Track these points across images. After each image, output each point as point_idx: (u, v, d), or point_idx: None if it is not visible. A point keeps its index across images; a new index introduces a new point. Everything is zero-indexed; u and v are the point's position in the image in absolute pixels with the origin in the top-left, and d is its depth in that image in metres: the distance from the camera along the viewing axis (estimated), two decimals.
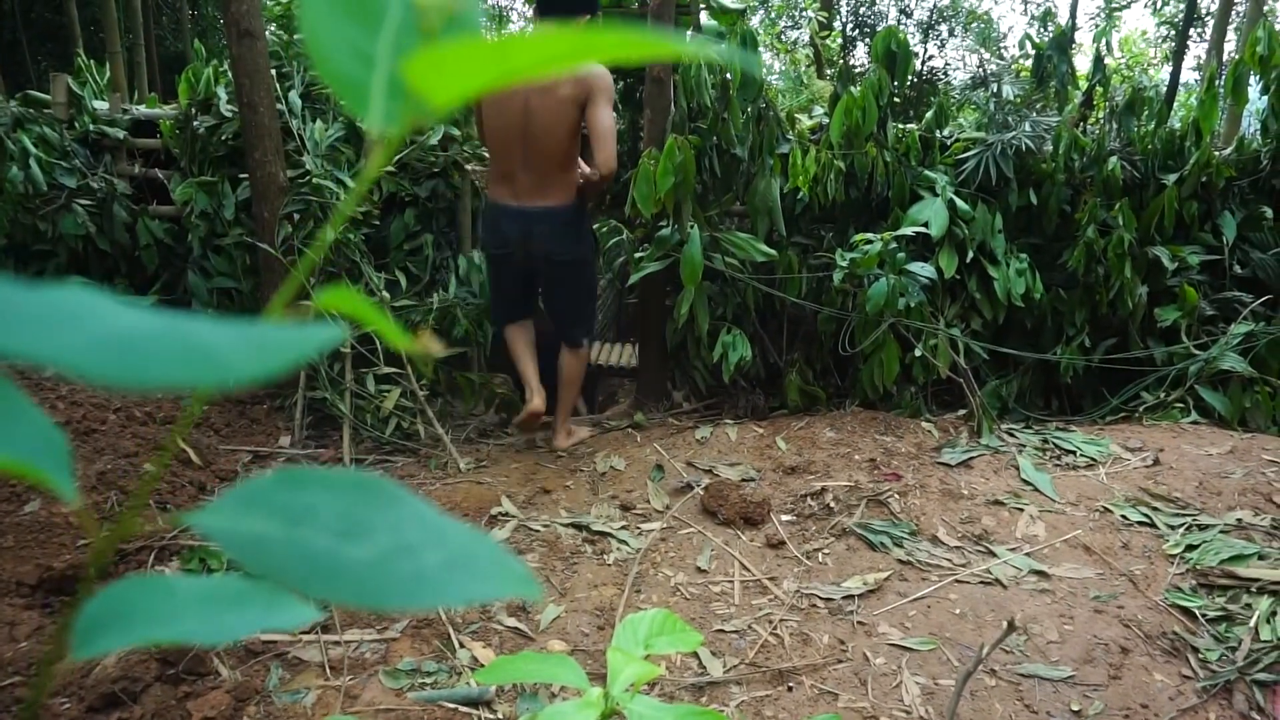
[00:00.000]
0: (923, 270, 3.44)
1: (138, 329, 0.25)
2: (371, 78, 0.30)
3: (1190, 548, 2.49)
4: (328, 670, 2.01)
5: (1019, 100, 4.21)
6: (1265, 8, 8.09)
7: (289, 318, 0.29)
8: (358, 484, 0.30)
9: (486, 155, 3.37)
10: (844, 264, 3.43)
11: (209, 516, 0.28)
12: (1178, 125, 4.07)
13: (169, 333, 0.25)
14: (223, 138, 3.88)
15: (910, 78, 4.01)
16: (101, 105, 4.17)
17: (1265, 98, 3.95)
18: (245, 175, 3.72)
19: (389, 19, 0.31)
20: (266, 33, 3.61)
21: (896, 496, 2.83)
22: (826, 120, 3.96)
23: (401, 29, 0.31)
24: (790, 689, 2.01)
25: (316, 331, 0.26)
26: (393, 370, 3.59)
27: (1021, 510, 2.74)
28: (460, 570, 0.27)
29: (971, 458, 3.10)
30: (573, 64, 0.28)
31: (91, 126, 4.05)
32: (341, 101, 0.32)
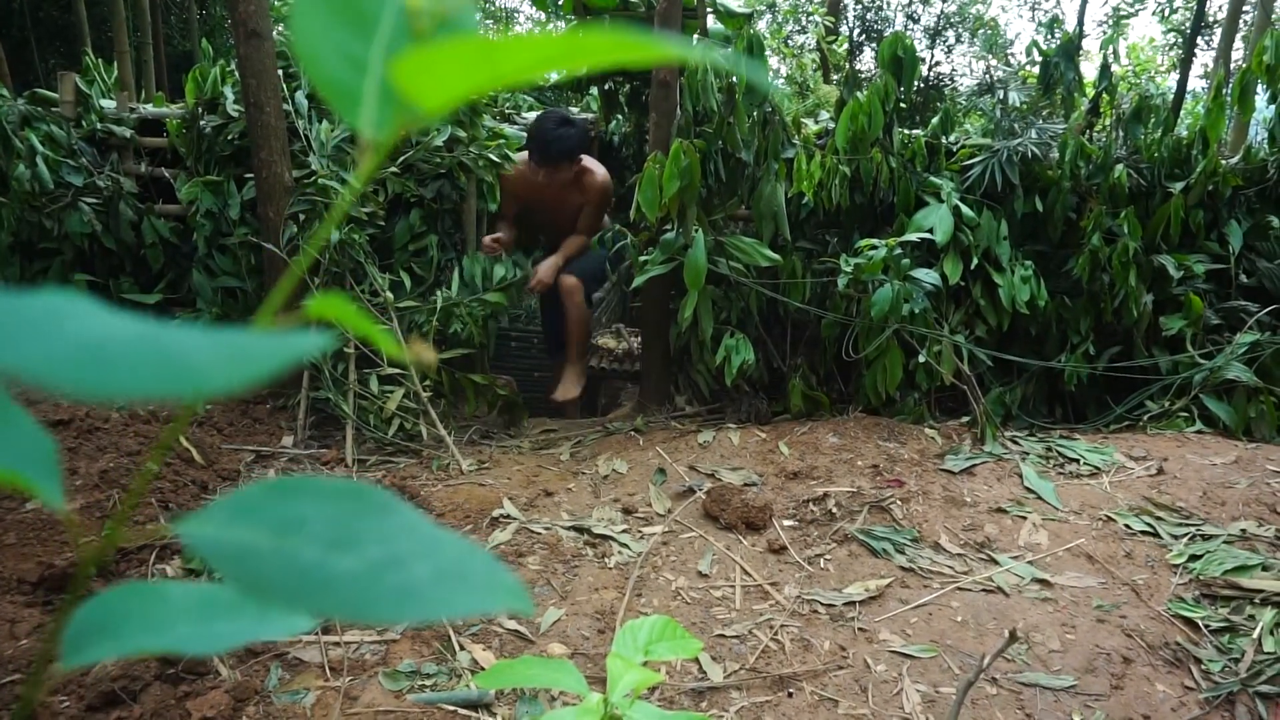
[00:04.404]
0: (927, 276, 3.43)
1: (110, 337, 0.24)
2: (363, 83, 0.30)
3: (1194, 558, 2.48)
4: (327, 671, 2.01)
5: (1025, 107, 4.20)
6: (1273, 16, 8.08)
7: (277, 324, 0.29)
8: (349, 493, 0.29)
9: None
10: (848, 269, 3.42)
11: (196, 526, 0.28)
12: (1184, 133, 4.06)
13: (143, 341, 0.24)
14: (229, 137, 3.88)
15: (916, 83, 4.01)
16: (109, 104, 4.18)
17: (1272, 106, 3.94)
18: (251, 175, 3.73)
19: (382, 24, 0.31)
20: (274, 33, 3.61)
21: (899, 503, 2.82)
22: (832, 125, 3.95)
23: (394, 34, 0.31)
24: (790, 695, 2.00)
25: (297, 340, 0.26)
26: (396, 370, 3.59)
27: (1024, 518, 2.73)
28: (450, 582, 0.27)
29: (975, 465, 3.09)
30: (565, 67, 0.27)
31: (98, 125, 4.06)
32: (333, 107, 0.31)
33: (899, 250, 3.38)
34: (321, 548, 0.27)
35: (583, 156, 4.04)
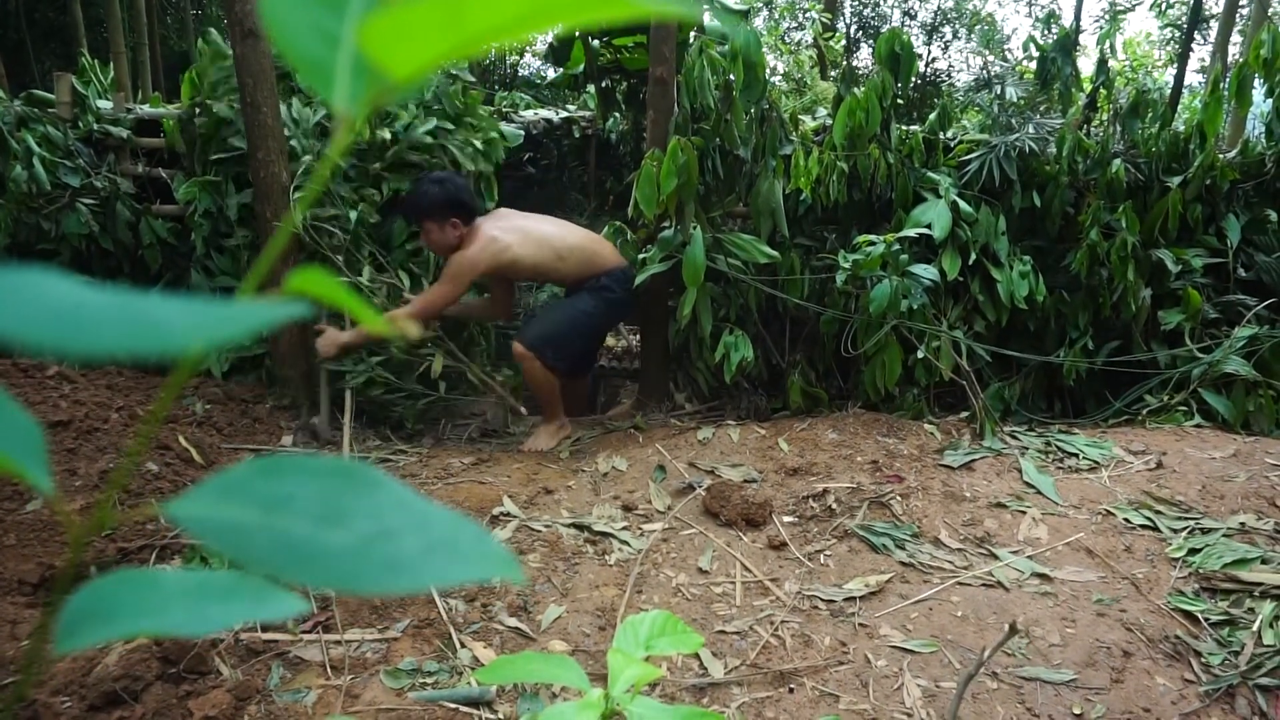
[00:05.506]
0: (926, 272, 3.43)
1: (88, 301, 0.24)
2: (336, 58, 0.30)
3: (1193, 551, 2.48)
4: (329, 670, 2.01)
5: (1023, 102, 4.20)
6: (1270, 11, 8.07)
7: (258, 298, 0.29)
8: (337, 471, 0.29)
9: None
10: (847, 266, 3.42)
11: (186, 505, 0.28)
12: (1182, 128, 4.06)
13: (118, 305, 0.25)
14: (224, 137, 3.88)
15: (914, 79, 4.00)
16: (105, 105, 4.18)
17: (1269, 101, 3.94)
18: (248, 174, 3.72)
19: None
20: None
21: (898, 498, 2.82)
22: (830, 122, 3.95)
23: (366, 6, 0.31)
24: (791, 690, 2.00)
25: (267, 307, 0.26)
26: (433, 335, 3.63)
27: (1024, 513, 2.74)
28: (440, 553, 0.27)
29: (974, 460, 3.09)
30: (541, 25, 0.27)
31: (95, 126, 4.05)
32: (308, 83, 0.31)
33: (897, 246, 3.38)
34: (310, 523, 0.27)
35: (486, 221, 3.50)
